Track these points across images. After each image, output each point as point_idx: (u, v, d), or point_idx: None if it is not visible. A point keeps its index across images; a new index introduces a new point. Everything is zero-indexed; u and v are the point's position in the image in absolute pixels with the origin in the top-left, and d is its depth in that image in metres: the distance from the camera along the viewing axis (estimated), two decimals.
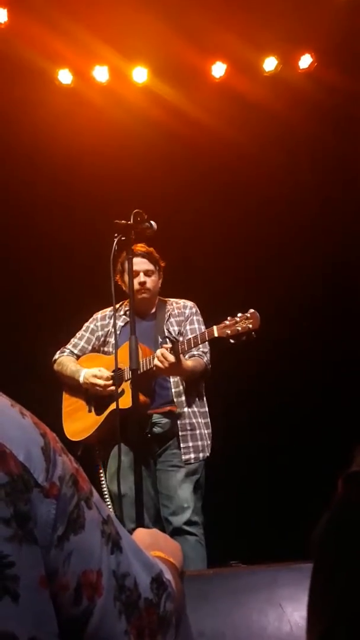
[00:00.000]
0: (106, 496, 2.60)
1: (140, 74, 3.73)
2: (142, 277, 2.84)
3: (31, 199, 3.63)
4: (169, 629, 0.73)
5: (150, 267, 2.89)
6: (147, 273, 2.88)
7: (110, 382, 2.72)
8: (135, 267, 2.70)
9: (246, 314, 2.46)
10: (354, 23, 3.51)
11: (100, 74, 3.72)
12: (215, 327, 2.52)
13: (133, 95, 3.76)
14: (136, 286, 2.77)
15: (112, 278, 2.34)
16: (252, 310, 2.47)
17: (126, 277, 2.73)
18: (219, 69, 3.77)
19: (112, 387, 2.69)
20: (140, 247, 2.83)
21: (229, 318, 2.49)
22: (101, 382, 2.74)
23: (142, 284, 2.84)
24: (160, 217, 2.49)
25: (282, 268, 3.61)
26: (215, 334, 2.50)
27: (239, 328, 2.45)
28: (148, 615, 0.68)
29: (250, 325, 2.44)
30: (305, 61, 3.75)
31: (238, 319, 2.46)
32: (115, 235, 2.32)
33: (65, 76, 3.72)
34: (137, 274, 2.81)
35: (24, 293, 3.66)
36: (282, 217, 3.72)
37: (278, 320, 3.26)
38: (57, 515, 0.58)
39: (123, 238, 2.32)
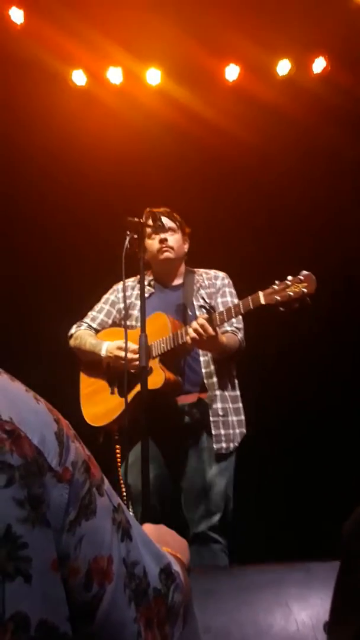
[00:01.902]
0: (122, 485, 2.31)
1: (153, 76, 3.75)
2: (162, 234, 2.56)
3: (46, 196, 3.66)
4: (177, 620, 0.73)
5: (171, 224, 2.61)
6: (168, 230, 2.60)
7: (137, 355, 2.27)
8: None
9: (299, 276, 2.10)
10: None
11: (114, 75, 3.74)
12: (261, 293, 2.14)
13: (146, 97, 3.78)
14: (157, 245, 2.55)
15: (123, 277, 2.26)
16: (305, 272, 2.11)
17: (147, 241, 2.52)
18: (232, 72, 3.78)
19: (137, 363, 2.27)
20: (157, 208, 2.58)
21: (277, 282, 2.12)
22: (132, 355, 2.33)
23: (163, 241, 2.55)
24: None
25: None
26: (262, 301, 2.13)
27: (291, 293, 2.08)
28: (156, 605, 0.68)
29: (305, 289, 2.07)
30: (319, 65, 3.75)
31: (289, 282, 2.10)
32: (127, 232, 2.22)
33: (79, 77, 3.74)
34: (160, 218, 2.48)
35: (35, 270, 3.66)
36: (294, 220, 3.72)
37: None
38: (70, 500, 0.59)
39: (135, 236, 2.22)
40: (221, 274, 2.68)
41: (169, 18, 3.37)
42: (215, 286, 2.62)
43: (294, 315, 2.13)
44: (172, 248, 2.58)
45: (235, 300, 2.53)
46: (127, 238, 2.21)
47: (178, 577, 0.74)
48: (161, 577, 0.70)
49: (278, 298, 2.10)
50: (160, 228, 2.45)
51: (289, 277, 2.10)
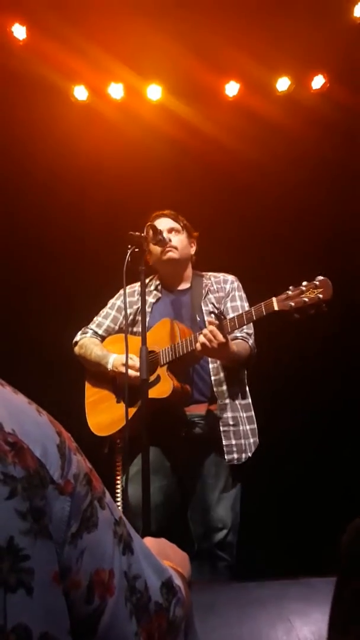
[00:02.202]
0: (118, 498, 2.32)
1: (154, 92, 3.78)
2: (165, 235, 2.48)
3: (48, 211, 3.68)
4: (178, 634, 0.73)
5: (175, 225, 2.57)
6: (171, 231, 2.55)
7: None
8: (158, 227, 2.49)
9: (314, 282, 2.02)
10: None
11: (116, 91, 3.78)
12: (274, 299, 2.07)
13: (147, 113, 3.81)
14: (161, 247, 2.49)
15: (125, 290, 2.25)
16: (321, 277, 2.03)
17: (152, 246, 2.47)
18: (232, 88, 3.81)
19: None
20: (162, 210, 2.57)
21: (291, 287, 2.05)
22: (132, 372, 2.28)
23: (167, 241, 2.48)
24: None
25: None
26: (275, 307, 2.05)
27: (306, 299, 2.00)
28: (158, 619, 0.68)
29: (321, 295, 1.99)
30: (318, 81, 3.79)
31: (304, 288, 2.02)
32: (129, 246, 2.20)
33: (81, 93, 3.78)
34: (161, 232, 2.47)
35: (37, 280, 3.66)
36: (294, 236, 3.73)
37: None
38: (71, 513, 0.59)
39: (137, 250, 2.20)
40: (230, 277, 2.62)
41: (170, 35, 3.41)
42: (224, 290, 2.55)
43: (307, 321, 2.07)
44: (175, 248, 2.52)
45: (246, 305, 2.49)
46: (129, 252, 2.20)
47: (179, 591, 0.74)
48: (162, 591, 0.70)
49: (292, 304, 2.02)
50: (160, 241, 2.45)
51: (304, 283, 2.04)
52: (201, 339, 2.16)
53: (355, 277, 3.54)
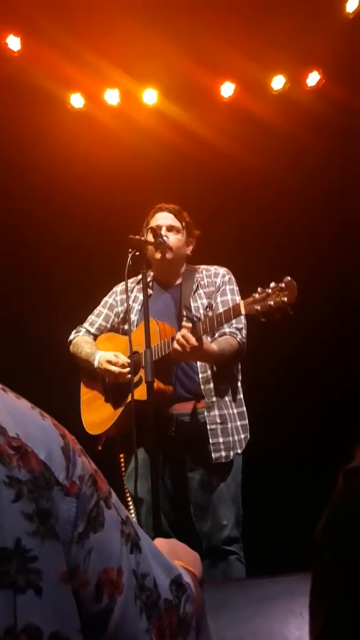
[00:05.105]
0: (127, 495, 2.31)
1: (150, 96, 3.80)
2: (164, 232, 2.48)
3: (46, 217, 3.70)
4: (189, 631, 0.74)
5: (176, 223, 2.55)
6: (170, 229, 2.53)
7: (127, 370, 2.35)
8: (157, 222, 2.50)
9: (280, 284, 1.99)
10: None
11: (112, 96, 3.80)
12: (241, 303, 2.08)
13: (144, 117, 3.83)
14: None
15: (127, 294, 2.27)
16: (287, 278, 1.99)
17: (149, 236, 2.44)
18: (227, 89, 3.82)
19: (129, 376, 2.32)
20: (167, 204, 2.56)
21: (259, 289, 2.04)
22: (115, 369, 2.37)
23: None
24: None
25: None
26: (242, 311, 2.06)
27: (271, 303, 1.97)
28: (168, 617, 0.68)
29: (286, 299, 1.95)
30: (313, 79, 3.79)
31: (270, 291, 2.00)
32: (130, 250, 2.21)
33: (77, 100, 3.79)
34: (159, 229, 2.48)
35: (38, 278, 3.69)
36: (290, 234, 3.74)
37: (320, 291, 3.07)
38: (78, 513, 0.60)
39: (137, 253, 2.21)
40: (222, 270, 2.60)
41: (164, 38, 3.42)
42: (214, 284, 2.54)
43: (300, 318, 2.05)
44: (170, 249, 2.50)
45: (237, 298, 2.47)
46: (130, 255, 2.22)
47: (189, 588, 0.75)
48: (172, 588, 0.70)
49: (258, 308, 2.01)
50: (161, 245, 2.46)
51: (272, 284, 2.01)
52: (174, 344, 2.16)
53: (352, 275, 3.55)
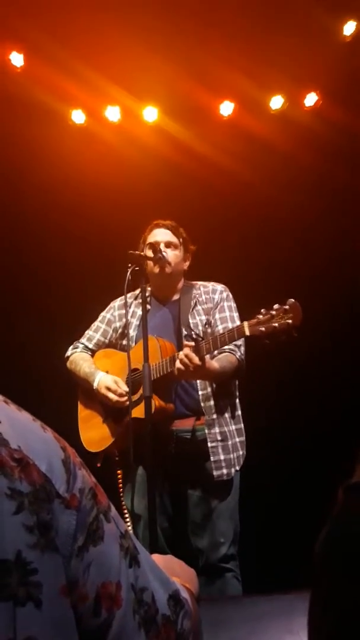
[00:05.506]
0: (125, 510, 2.31)
1: (150, 114, 3.84)
2: (162, 248, 2.49)
3: (46, 233, 3.72)
4: None
5: (173, 239, 2.55)
6: (168, 245, 2.53)
7: (124, 398, 2.34)
8: (155, 238, 2.52)
9: (284, 306, 1.99)
10: (358, 61, 3.61)
11: (112, 113, 3.84)
12: (246, 324, 2.07)
13: (144, 134, 3.87)
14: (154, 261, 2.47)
15: (126, 309, 2.28)
16: (291, 301, 1.99)
17: (148, 252, 2.47)
18: (227, 108, 3.87)
19: (127, 404, 2.31)
20: (164, 220, 2.57)
21: (263, 311, 2.03)
22: (113, 397, 2.38)
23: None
24: None
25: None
26: (247, 333, 2.05)
27: (276, 324, 1.97)
28: (166, 632, 0.68)
29: (290, 321, 1.95)
30: (311, 99, 3.84)
31: (274, 312, 1.99)
32: (129, 265, 2.22)
33: (78, 116, 3.83)
34: (158, 245, 2.49)
35: (38, 293, 3.69)
36: (288, 251, 3.76)
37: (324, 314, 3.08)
38: (78, 526, 0.60)
39: (137, 268, 2.22)
40: (219, 287, 2.60)
41: (165, 57, 3.47)
42: (213, 301, 2.54)
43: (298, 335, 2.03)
44: (169, 263, 2.50)
45: (235, 315, 2.49)
46: (129, 270, 2.22)
47: (187, 603, 0.74)
48: (170, 604, 0.70)
49: (263, 329, 2.00)
50: (160, 260, 2.47)
51: (275, 306, 2.01)
52: (177, 364, 2.14)
53: (350, 293, 3.57)
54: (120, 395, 2.38)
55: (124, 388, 2.38)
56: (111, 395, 2.39)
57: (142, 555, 0.68)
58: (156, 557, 0.89)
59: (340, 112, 3.76)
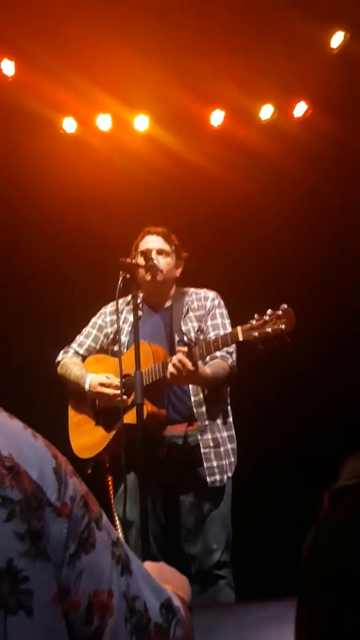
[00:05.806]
0: (116, 517, 2.30)
1: (141, 122, 3.85)
2: (154, 255, 2.48)
3: (37, 241, 3.72)
4: None
5: (165, 246, 2.54)
6: (160, 252, 2.52)
7: (119, 391, 2.31)
8: (147, 246, 2.51)
9: (277, 312, 2.01)
10: (347, 72, 3.65)
11: (104, 122, 3.84)
12: (239, 329, 2.09)
13: (135, 143, 3.88)
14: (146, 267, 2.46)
15: (117, 316, 2.28)
16: (284, 306, 2.01)
17: (140, 259, 2.46)
18: (217, 117, 3.88)
19: (124, 397, 2.31)
20: (156, 227, 2.57)
21: (256, 316, 2.05)
22: (109, 391, 2.36)
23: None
24: None
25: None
26: (240, 338, 2.08)
27: (269, 330, 1.98)
28: None
29: (283, 327, 1.97)
30: (301, 109, 3.87)
31: (267, 318, 2.01)
32: (121, 273, 2.22)
33: (69, 125, 3.84)
34: (149, 252, 2.49)
35: (29, 300, 3.69)
36: (279, 260, 3.78)
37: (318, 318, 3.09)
38: (69, 534, 0.60)
39: (128, 276, 2.22)
40: (211, 293, 2.60)
41: (156, 66, 3.49)
42: (205, 308, 2.53)
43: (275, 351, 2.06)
44: (161, 271, 2.50)
45: (227, 322, 2.49)
46: (120, 278, 2.22)
47: (179, 611, 0.74)
48: (162, 612, 0.70)
49: (256, 335, 2.02)
50: (151, 267, 2.48)
51: (269, 311, 2.02)
52: (170, 368, 2.15)
53: (342, 302, 3.59)
54: (115, 387, 2.36)
55: (117, 381, 2.35)
56: (107, 391, 2.38)
57: (134, 563, 0.68)
58: (148, 565, 0.89)
59: (329, 122, 3.79)
